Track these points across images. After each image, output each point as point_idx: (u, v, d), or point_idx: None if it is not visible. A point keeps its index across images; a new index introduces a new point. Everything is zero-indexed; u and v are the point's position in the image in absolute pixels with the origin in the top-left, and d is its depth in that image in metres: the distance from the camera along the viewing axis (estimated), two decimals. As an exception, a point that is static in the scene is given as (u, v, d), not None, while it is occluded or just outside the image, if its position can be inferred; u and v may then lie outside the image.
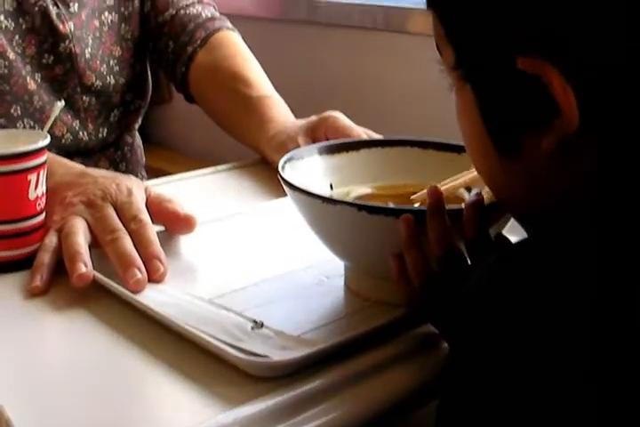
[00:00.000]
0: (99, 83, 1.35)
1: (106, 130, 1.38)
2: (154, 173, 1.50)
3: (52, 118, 0.93)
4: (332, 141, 0.98)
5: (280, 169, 0.86)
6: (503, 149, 0.60)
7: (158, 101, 1.80)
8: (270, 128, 1.22)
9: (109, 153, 1.41)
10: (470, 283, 0.56)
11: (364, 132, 1.13)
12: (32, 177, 0.89)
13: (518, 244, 0.61)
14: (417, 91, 1.55)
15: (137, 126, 1.47)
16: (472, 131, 0.63)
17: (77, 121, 1.35)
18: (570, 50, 0.53)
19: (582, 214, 0.58)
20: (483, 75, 0.59)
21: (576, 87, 0.53)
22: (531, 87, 0.55)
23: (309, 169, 0.91)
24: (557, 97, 0.54)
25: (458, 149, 0.93)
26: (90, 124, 1.36)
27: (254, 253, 0.96)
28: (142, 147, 1.51)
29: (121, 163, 1.43)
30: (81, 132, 1.34)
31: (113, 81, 1.37)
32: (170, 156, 2.03)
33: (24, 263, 0.90)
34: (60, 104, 0.93)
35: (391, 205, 0.82)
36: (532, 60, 0.54)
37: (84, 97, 1.35)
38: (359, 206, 0.76)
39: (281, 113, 1.25)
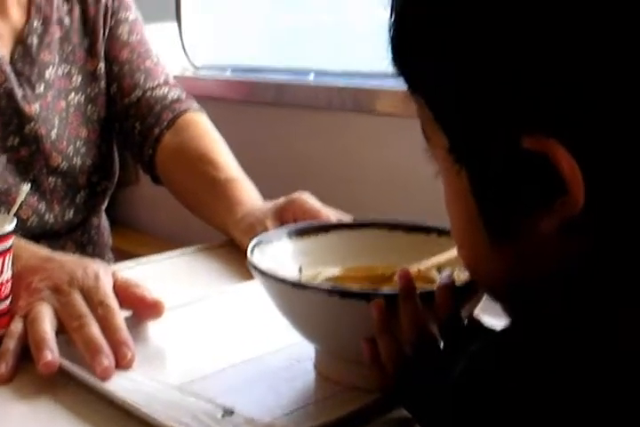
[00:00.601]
0: (65, 164, 1.35)
1: (72, 212, 1.37)
2: (121, 254, 1.49)
3: (19, 202, 0.92)
4: (300, 224, 0.98)
5: (249, 253, 0.86)
6: (496, 233, 0.58)
7: (125, 183, 1.80)
8: (238, 211, 1.22)
9: (76, 235, 1.40)
10: (459, 372, 0.55)
11: (333, 214, 1.13)
12: (-3, 262, 0.88)
13: (506, 329, 0.59)
14: (385, 171, 1.56)
15: (103, 208, 1.47)
16: (462, 216, 0.61)
17: (43, 203, 1.34)
18: (578, 126, 0.51)
19: (572, 294, 0.56)
20: (481, 157, 0.56)
21: (583, 165, 0.51)
22: (534, 167, 0.52)
23: (278, 252, 0.91)
24: (565, 176, 0.51)
25: (426, 231, 0.93)
26: (56, 206, 1.36)
27: (223, 338, 0.94)
28: (109, 229, 1.50)
29: (88, 245, 1.42)
30: (47, 215, 1.34)
31: (79, 162, 1.37)
32: (137, 237, 2.02)
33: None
34: (26, 188, 0.93)
35: (362, 289, 0.82)
36: (538, 139, 0.51)
37: (50, 178, 1.34)
38: (330, 291, 0.76)
39: (249, 196, 1.25)
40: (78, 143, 1.37)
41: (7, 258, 0.89)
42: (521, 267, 0.58)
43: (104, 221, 1.48)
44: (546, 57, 0.51)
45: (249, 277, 1.06)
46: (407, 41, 0.59)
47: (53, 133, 1.34)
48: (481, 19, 0.53)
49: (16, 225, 0.90)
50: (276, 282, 0.79)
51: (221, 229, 1.26)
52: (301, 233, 0.94)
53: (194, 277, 1.15)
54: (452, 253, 0.83)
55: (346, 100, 1.63)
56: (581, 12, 0.50)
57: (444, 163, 0.60)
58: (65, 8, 1.38)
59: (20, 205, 0.94)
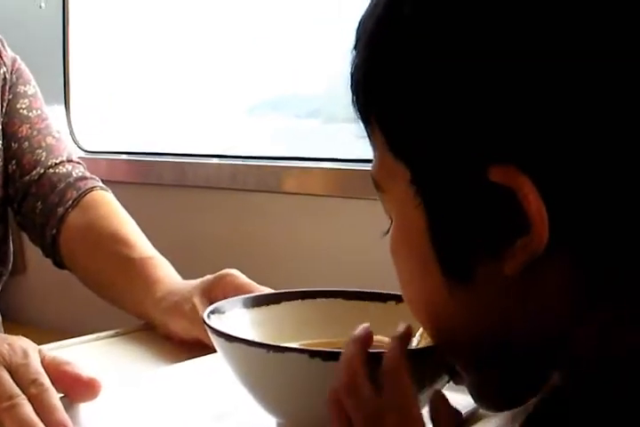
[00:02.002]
0: None
1: (-35, 298, 1.26)
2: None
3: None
4: (257, 293, 0.92)
5: (206, 319, 0.79)
6: (455, 277, 0.54)
7: (10, 272, 1.68)
8: (158, 289, 1.13)
9: (-34, 323, 1.27)
10: None
11: (266, 291, 1.06)
12: None
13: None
14: (292, 248, 1.52)
15: (-3, 295, 1.35)
16: (415, 260, 0.57)
17: None
18: (546, 159, 0.49)
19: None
20: (444, 188, 0.53)
21: (548, 199, 0.49)
22: (498, 202, 0.50)
23: (235, 322, 0.84)
24: (530, 213, 0.49)
25: (384, 298, 0.89)
26: (-52, 293, 1.24)
27: (162, 420, 0.85)
28: (0, 317, 1.38)
29: (-21, 335, 1.29)
30: (-63, 301, 1.21)
31: (-27, 245, 1.26)
32: (24, 330, 1.86)
33: None
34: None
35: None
36: (505, 170, 0.49)
37: (-58, 262, 1.23)
38: (311, 353, 0.69)
39: (168, 274, 1.17)
40: (-27, 224, 1.27)
41: None
42: (484, 315, 0.54)
43: (-4, 310, 1.36)
44: (516, 87, 0.49)
45: (172, 360, 1.00)
46: (371, 75, 0.56)
47: (-54, 212, 1.23)
48: (445, 51, 0.51)
49: None
50: (247, 347, 0.72)
51: (136, 311, 1.17)
52: (257, 302, 0.88)
53: (114, 361, 1.05)
54: None
55: (247, 180, 1.60)
56: (546, 41, 0.49)
57: (399, 202, 0.57)
58: (-40, 80, 1.29)
59: None
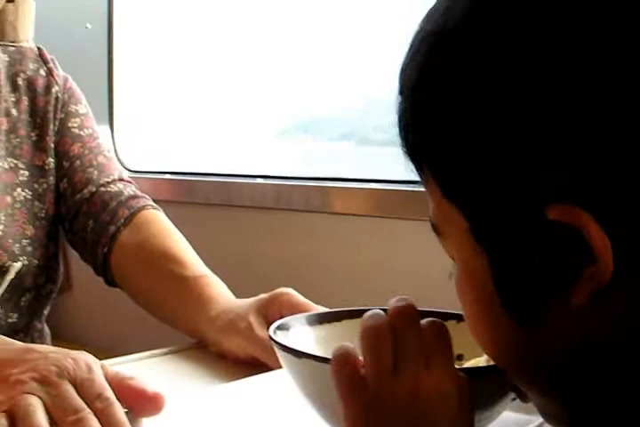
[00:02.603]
0: (10, 264, 1.24)
1: (16, 315, 1.26)
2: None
3: (6, 284, 0.82)
4: (321, 311, 0.92)
5: (272, 335, 0.79)
6: (522, 316, 0.54)
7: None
8: (212, 308, 1.13)
9: (18, 340, 1.27)
10: None
11: (322, 309, 1.06)
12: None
13: None
14: (339, 267, 1.52)
15: (46, 313, 1.35)
16: (481, 303, 0.57)
17: None
18: (605, 194, 0.49)
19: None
20: (504, 233, 0.53)
21: (609, 232, 0.49)
22: (560, 239, 0.50)
23: (300, 339, 0.83)
24: (595, 245, 0.49)
25: (444, 317, 0.87)
26: (-1, 309, 1.24)
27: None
28: (50, 335, 1.38)
29: (31, 351, 1.29)
30: (-11, 317, 1.22)
31: (26, 262, 1.26)
32: (71, 348, 1.86)
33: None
34: (17, 266, 0.83)
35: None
36: (564, 209, 0.49)
37: (-6, 278, 1.23)
38: None
39: (222, 292, 1.17)
40: (24, 242, 1.27)
41: (-12, 344, 0.79)
42: (551, 346, 0.54)
43: (46, 327, 1.36)
44: (568, 128, 0.49)
45: (227, 378, 1.00)
46: (418, 122, 0.57)
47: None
48: (495, 92, 0.51)
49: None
50: (317, 363, 0.71)
51: (190, 329, 1.17)
52: (321, 319, 0.87)
53: (168, 378, 1.05)
54: None
55: (294, 199, 1.60)
56: (603, 75, 0.49)
57: (460, 248, 0.57)
58: (12, 98, 1.30)
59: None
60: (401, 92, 0.58)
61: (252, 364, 1.04)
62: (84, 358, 0.85)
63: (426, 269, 1.32)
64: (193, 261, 1.23)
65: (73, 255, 1.47)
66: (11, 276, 0.83)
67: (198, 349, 1.15)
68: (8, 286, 1.24)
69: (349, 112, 1.86)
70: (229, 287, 1.20)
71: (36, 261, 1.28)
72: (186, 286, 1.18)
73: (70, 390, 0.80)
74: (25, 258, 1.26)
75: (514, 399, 0.72)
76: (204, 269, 1.22)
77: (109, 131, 1.98)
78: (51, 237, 1.32)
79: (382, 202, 1.48)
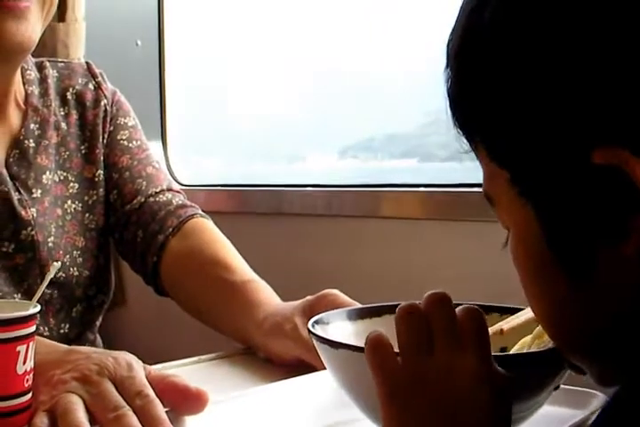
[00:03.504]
0: (61, 274, 1.26)
1: (67, 325, 1.27)
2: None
3: (46, 283, 0.83)
4: (360, 306, 0.91)
5: (310, 329, 0.79)
6: (574, 270, 0.54)
7: (110, 305, 1.69)
8: (260, 311, 1.13)
9: (70, 350, 1.28)
10: None
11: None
12: (21, 348, 0.78)
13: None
14: (388, 273, 1.51)
15: (98, 324, 1.36)
16: (533, 264, 0.57)
17: (38, 315, 1.23)
18: None
19: None
20: (546, 183, 0.54)
21: None
22: (606, 184, 0.51)
23: (339, 333, 0.83)
24: None
25: (486, 310, 0.86)
26: (51, 319, 1.25)
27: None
28: (102, 346, 1.39)
29: (82, 361, 1.30)
30: (41, 328, 1.23)
31: (77, 273, 1.28)
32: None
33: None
34: (57, 264, 0.84)
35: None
36: (610, 151, 0.50)
37: (46, 289, 1.24)
38: None
39: (269, 296, 1.17)
40: (75, 253, 1.28)
41: (31, 345, 0.79)
42: (606, 306, 0.55)
43: (98, 338, 1.37)
44: (613, 69, 0.50)
45: (274, 381, 0.99)
46: (463, 87, 0.58)
47: (50, 241, 1.24)
48: (540, 44, 0.53)
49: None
50: (352, 352, 0.71)
51: (238, 334, 1.17)
52: (361, 314, 0.87)
53: (215, 382, 1.04)
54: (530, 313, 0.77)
55: (344, 205, 1.60)
56: None
57: (510, 211, 0.58)
58: (62, 112, 1.32)
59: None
60: (447, 66, 0.60)
61: (300, 367, 1.03)
62: (125, 357, 0.85)
63: (473, 270, 1.31)
64: (240, 267, 1.23)
65: (127, 270, 1.49)
66: (51, 275, 0.83)
67: (247, 354, 1.15)
68: (59, 296, 1.26)
69: (411, 129, 1.85)
70: (282, 295, 1.19)
71: (86, 272, 1.29)
72: (233, 291, 1.18)
73: (110, 388, 0.80)
74: (76, 269, 1.28)
75: (556, 389, 0.71)
76: (251, 275, 1.22)
77: (162, 146, 2.00)
78: (101, 249, 1.33)
79: (432, 205, 1.47)
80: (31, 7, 1.13)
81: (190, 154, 2.12)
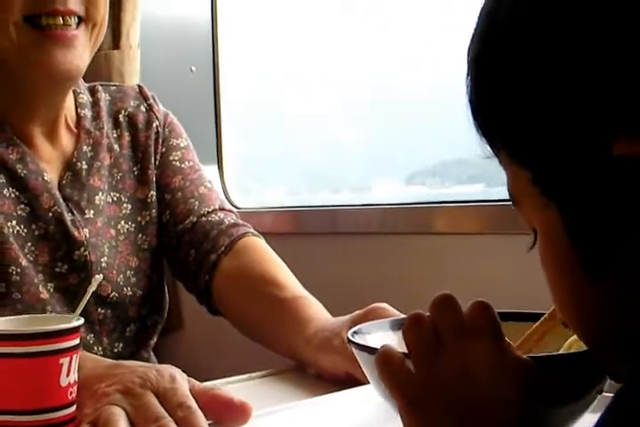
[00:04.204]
0: (115, 294, 1.26)
1: (121, 345, 1.27)
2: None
3: (88, 296, 0.83)
4: (404, 316, 0.90)
5: (350, 337, 0.78)
6: (601, 268, 0.54)
7: (168, 329, 1.70)
8: (310, 327, 1.12)
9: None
10: None
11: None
12: (64, 360, 0.78)
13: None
14: (448, 287, 1.48)
15: (152, 343, 1.36)
16: (558, 263, 0.57)
17: (92, 335, 1.24)
18: None
19: None
20: (569, 180, 0.53)
21: None
22: (627, 176, 0.50)
23: (379, 343, 0.81)
24: None
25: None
26: (105, 339, 1.26)
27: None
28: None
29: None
30: (95, 347, 1.24)
31: (130, 293, 1.28)
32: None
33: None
34: (99, 277, 0.84)
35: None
36: (631, 141, 0.49)
37: (99, 309, 1.25)
38: None
39: (319, 312, 1.16)
40: (129, 273, 1.29)
41: (74, 358, 0.80)
42: (633, 302, 0.54)
43: (153, 358, 1.37)
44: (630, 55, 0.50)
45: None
46: (481, 89, 0.58)
47: (103, 261, 1.26)
48: (558, 34, 0.52)
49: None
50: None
51: (288, 350, 1.17)
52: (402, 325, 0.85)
53: (265, 399, 1.04)
54: None
55: (397, 222, 1.60)
56: None
57: (535, 212, 0.58)
58: (114, 134, 1.34)
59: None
60: (467, 73, 0.59)
61: (349, 382, 1.02)
62: (169, 369, 0.85)
63: (532, 283, 1.28)
64: (291, 284, 1.23)
65: (183, 294, 1.49)
66: (93, 288, 0.83)
67: (297, 371, 1.14)
68: (113, 316, 1.27)
69: (477, 153, 1.83)
70: (335, 312, 1.18)
71: (140, 292, 1.30)
72: (283, 307, 1.18)
73: (153, 400, 0.80)
74: (129, 289, 1.28)
75: (599, 393, 0.68)
76: (301, 291, 1.21)
77: (218, 171, 2.01)
78: (154, 269, 1.34)
79: (486, 218, 1.45)
80: (78, 35, 1.15)
81: (247, 181, 2.13)
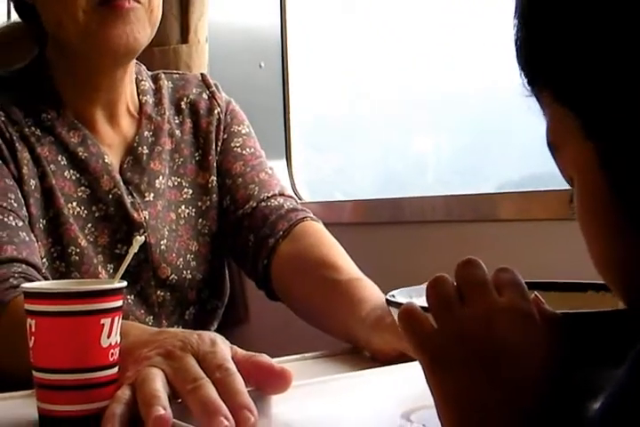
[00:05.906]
0: (174, 277, 1.27)
1: (181, 328, 1.27)
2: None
3: (130, 257, 0.83)
4: None
5: (389, 298, 0.77)
6: (636, 215, 0.52)
7: (233, 322, 1.70)
8: (363, 308, 1.11)
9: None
10: None
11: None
12: (105, 321, 0.78)
13: None
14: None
15: (213, 329, 1.36)
16: (598, 217, 0.55)
17: (151, 317, 1.25)
18: None
19: None
20: (619, 123, 0.51)
21: None
22: None
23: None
24: None
25: (582, 288, 0.84)
26: (164, 322, 1.26)
27: (350, 417, 0.82)
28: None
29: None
30: (154, 330, 1.24)
31: (189, 276, 1.29)
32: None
33: (84, 422, 0.77)
34: (140, 239, 0.84)
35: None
36: None
37: (159, 291, 1.26)
38: None
39: (374, 293, 1.14)
40: (189, 256, 1.30)
41: (116, 320, 0.80)
42: None
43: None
44: None
45: None
46: (529, 32, 0.57)
47: (162, 244, 1.26)
48: None
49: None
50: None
51: (343, 332, 1.15)
52: None
53: (316, 377, 1.03)
54: None
55: (461, 210, 1.58)
56: None
57: (575, 157, 0.56)
58: (176, 120, 1.35)
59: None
60: (515, 13, 0.58)
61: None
62: (210, 334, 0.85)
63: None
64: (347, 266, 1.21)
65: (250, 286, 1.48)
66: (134, 249, 0.83)
67: (351, 353, 1.13)
68: (172, 298, 1.27)
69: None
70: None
71: (199, 276, 1.30)
72: (339, 290, 1.17)
73: (192, 362, 0.80)
74: (189, 272, 1.29)
75: None
76: (357, 273, 1.20)
77: (286, 166, 2.01)
78: (215, 254, 1.34)
79: (555, 204, 1.41)
80: (135, 9, 1.17)
81: (314, 174, 2.13)
